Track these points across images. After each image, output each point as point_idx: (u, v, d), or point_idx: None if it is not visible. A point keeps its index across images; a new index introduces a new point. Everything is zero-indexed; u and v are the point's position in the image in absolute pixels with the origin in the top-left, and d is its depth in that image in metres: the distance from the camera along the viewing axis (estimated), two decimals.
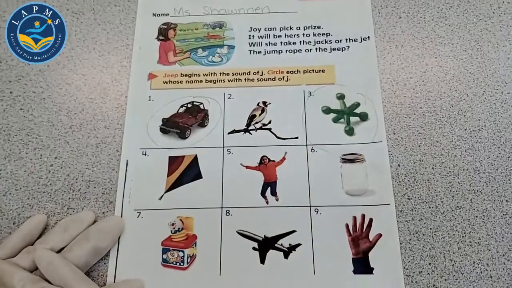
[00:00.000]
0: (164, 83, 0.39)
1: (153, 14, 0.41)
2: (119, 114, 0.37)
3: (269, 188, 0.34)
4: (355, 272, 0.31)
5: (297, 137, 0.36)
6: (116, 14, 0.41)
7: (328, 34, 0.40)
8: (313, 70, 0.39)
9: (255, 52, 0.40)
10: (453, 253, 0.32)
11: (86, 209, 0.34)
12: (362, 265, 0.32)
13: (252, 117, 0.37)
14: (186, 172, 0.35)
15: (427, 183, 0.34)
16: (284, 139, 0.36)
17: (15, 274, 0.28)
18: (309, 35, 0.40)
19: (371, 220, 0.33)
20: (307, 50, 0.40)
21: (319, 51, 0.40)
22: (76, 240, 0.31)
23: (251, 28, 0.41)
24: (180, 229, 0.33)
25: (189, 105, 0.38)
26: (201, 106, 0.38)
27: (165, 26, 0.41)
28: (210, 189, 0.34)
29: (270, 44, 0.40)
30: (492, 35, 0.40)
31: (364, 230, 0.33)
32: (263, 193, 0.34)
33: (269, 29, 0.41)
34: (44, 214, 0.33)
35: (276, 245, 0.32)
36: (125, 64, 0.39)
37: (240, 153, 0.36)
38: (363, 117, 0.37)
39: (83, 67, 0.39)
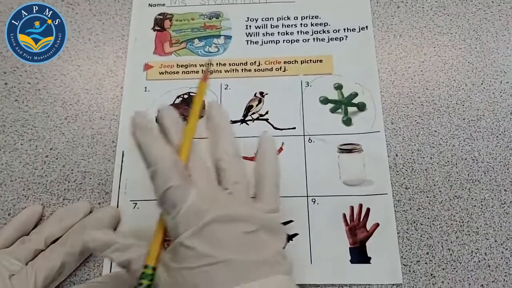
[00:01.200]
0: (160, 73, 0.38)
1: (149, 4, 0.41)
2: (115, 105, 0.37)
3: None
4: (352, 261, 0.31)
5: (294, 128, 0.36)
6: (112, 4, 0.41)
7: (325, 24, 0.40)
8: (310, 60, 0.38)
9: (252, 42, 0.39)
10: (451, 242, 0.32)
11: (82, 200, 0.34)
12: (359, 255, 0.31)
13: (249, 108, 0.37)
14: None
15: (425, 173, 0.34)
16: (281, 129, 0.36)
17: None
18: (307, 25, 0.40)
19: (368, 210, 0.33)
20: (304, 40, 0.39)
21: (317, 41, 0.39)
22: (72, 230, 0.31)
23: (248, 18, 0.40)
24: None
25: (186, 96, 0.37)
26: None
27: (161, 17, 0.40)
28: None
29: (267, 34, 0.40)
30: (491, 24, 0.39)
31: (361, 220, 0.32)
32: None
33: (266, 19, 0.40)
34: (39, 205, 0.33)
35: None
36: (121, 55, 0.39)
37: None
38: (361, 107, 0.36)
39: (79, 58, 0.39)
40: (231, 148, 0.25)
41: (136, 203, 0.33)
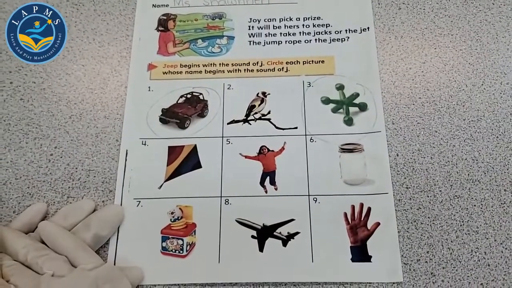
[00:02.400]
0: (164, 73, 0.39)
1: (153, 5, 0.41)
2: (119, 104, 0.37)
3: (268, 177, 0.34)
4: (353, 260, 0.32)
5: (296, 127, 0.36)
6: (116, 5, 0.41)
7: (327, 25, 0.40)
8: (312, 61, 0.39)
9: (254, 43, 0.40)
10: (451, 241, 0.32)
11: (86, 198, 0.34)
12: (360, 253, 0.32)
13: (251, 108, 0.37)
14: (185, 161, 0.35)
15: (425, 173, 0.35)
16: (283, 129, 0.36)
17: (19, 240, 0.28)
18: (309, 26, 0.40)
19: (369, 209, 0.33)
20: (306, 41, 0.40)
21: (319, 42, 0.40)
22: (77, 228, 0.31)
23: (250, 19, 0.41)
24: (179, 218, 0.33)
25: (189, 96, 0.38)
26: (201, 97, 0.38)
27: (165, 17, 0.41)
28: (210, 178, 0.34)
29: (270, 35, 0.40)
30: (491, 26, 0.40)
31: (362, 219, 0.33)
32: (262, 183, 0.34)
33: (269, 20, 0.41)
34: (44, 203, 0.33)
35: (274, 233, 0.33)
36: (125, 55, 0.39)
37: (239, 143, 0.36)
38: (362, 107, 0.37)
39: (83, 58, 0.39)
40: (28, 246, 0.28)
41: (139, 201, 0.34)
